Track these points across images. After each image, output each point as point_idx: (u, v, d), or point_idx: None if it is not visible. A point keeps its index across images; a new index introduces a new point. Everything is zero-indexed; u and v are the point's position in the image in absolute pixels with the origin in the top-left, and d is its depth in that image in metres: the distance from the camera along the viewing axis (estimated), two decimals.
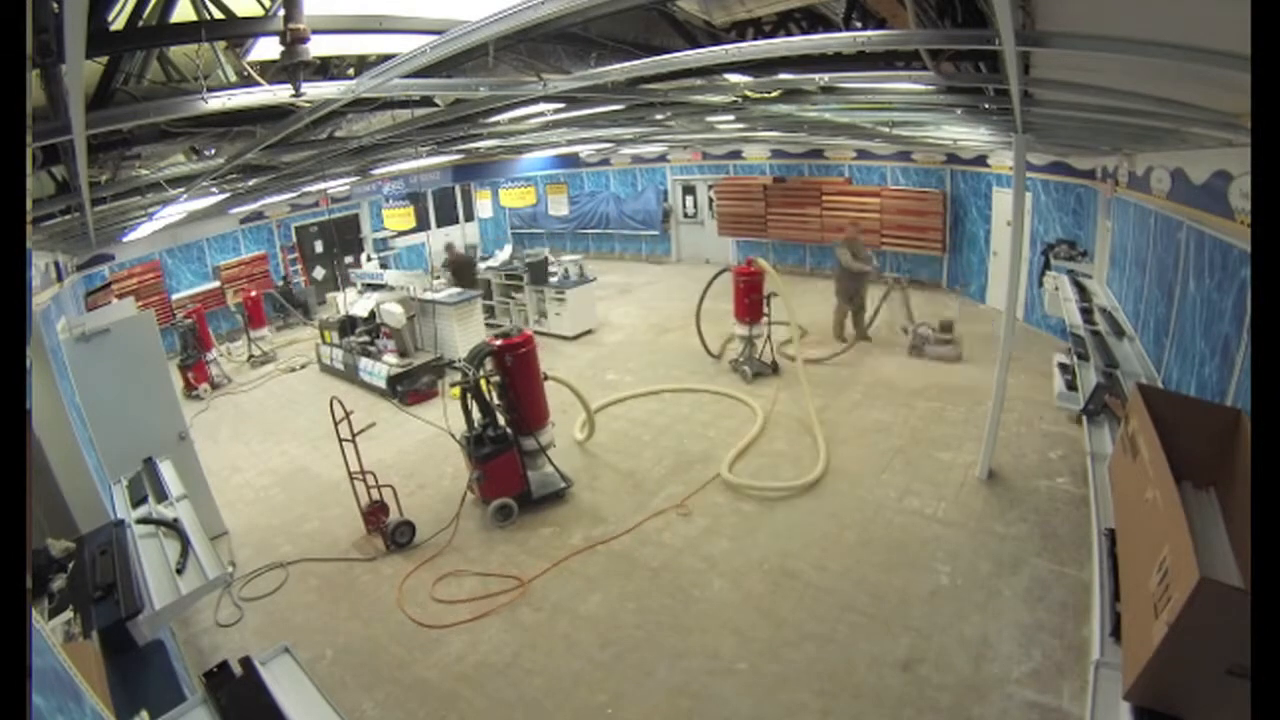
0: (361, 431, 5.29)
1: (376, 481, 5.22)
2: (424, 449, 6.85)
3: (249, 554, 5.23)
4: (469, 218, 16.47)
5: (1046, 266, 7.89)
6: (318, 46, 1.74)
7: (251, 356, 10.36)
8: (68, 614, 2.45)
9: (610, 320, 10.81)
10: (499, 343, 5.23)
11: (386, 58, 2.31)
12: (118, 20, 1.81)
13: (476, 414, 5.36)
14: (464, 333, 8.93)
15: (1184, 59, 1.63)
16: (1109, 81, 2.45)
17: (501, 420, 5.37)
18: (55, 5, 1.30)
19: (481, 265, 11.15)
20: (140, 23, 1.86)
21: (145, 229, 8.34)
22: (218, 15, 1.91)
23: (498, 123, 4.67)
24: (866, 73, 3.00)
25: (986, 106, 3.73)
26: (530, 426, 5.33)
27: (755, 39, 2.66)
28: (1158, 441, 2.16)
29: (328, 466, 6.53)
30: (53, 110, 1.91)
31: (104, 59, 2.13)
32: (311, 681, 2.15)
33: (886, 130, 6.48)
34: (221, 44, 2.30)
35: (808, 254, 12.89)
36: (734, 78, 3.35)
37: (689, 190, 14.46)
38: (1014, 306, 5.06)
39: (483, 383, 5.29)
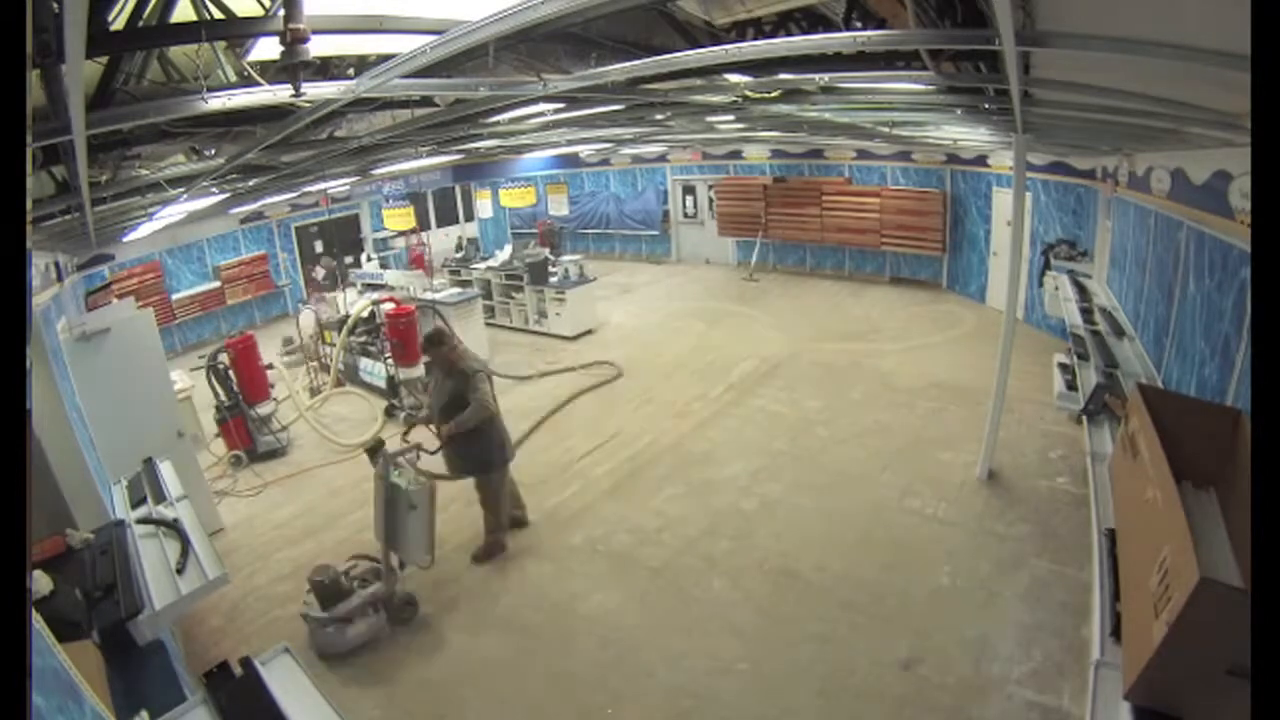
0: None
1: None
2: None
3: (244, 555, 5.24)
4: (469, 218, 16.46)
5: (1046, 266, 7.89)
6: (318, 46, 1.74)
7: None
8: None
9: (611, 321, 10.81)
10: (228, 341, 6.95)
11: (386, 58, 2.31)
12: (118, 20, 1.81)
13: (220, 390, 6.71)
14: (464, 332, 8.93)
15: (1184, 59, 1.63)
16: (1109, 81, 2.45)
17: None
18: (55, 5, 1.29)
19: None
20: (140, 23, 1.85)
21: (145, 229, 8.33)
22: (218, 15, 1.91)
23: (498, 123, 4.67)
24: (866, 73, 3.00)
25: (986, 106, 3.73)
26: (250, 400, 6.83)
27: (755, 39, 2.66)
28: (1158, 441, 2.16)
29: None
30: (53, 110, 1.90)
31: (104, 59, 2.13)
32: (311, 681, 2.15)
33: (886, 130, 6.47)
34: (221, 44, 2.30)
35: (808, 254, 12.89)
36: (734, 78, 3.35)
37: (689, 190, 14.45)
38: (1014, 306, 5.06)
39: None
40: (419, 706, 3.64)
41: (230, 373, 6.75)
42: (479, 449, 4.57)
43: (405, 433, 4.62)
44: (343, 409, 8.30)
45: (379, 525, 4.22)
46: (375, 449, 4.27)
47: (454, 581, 4.62)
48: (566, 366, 8.93)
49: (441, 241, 15.32)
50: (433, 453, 4.54)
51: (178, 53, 2.37)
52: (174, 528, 3.21)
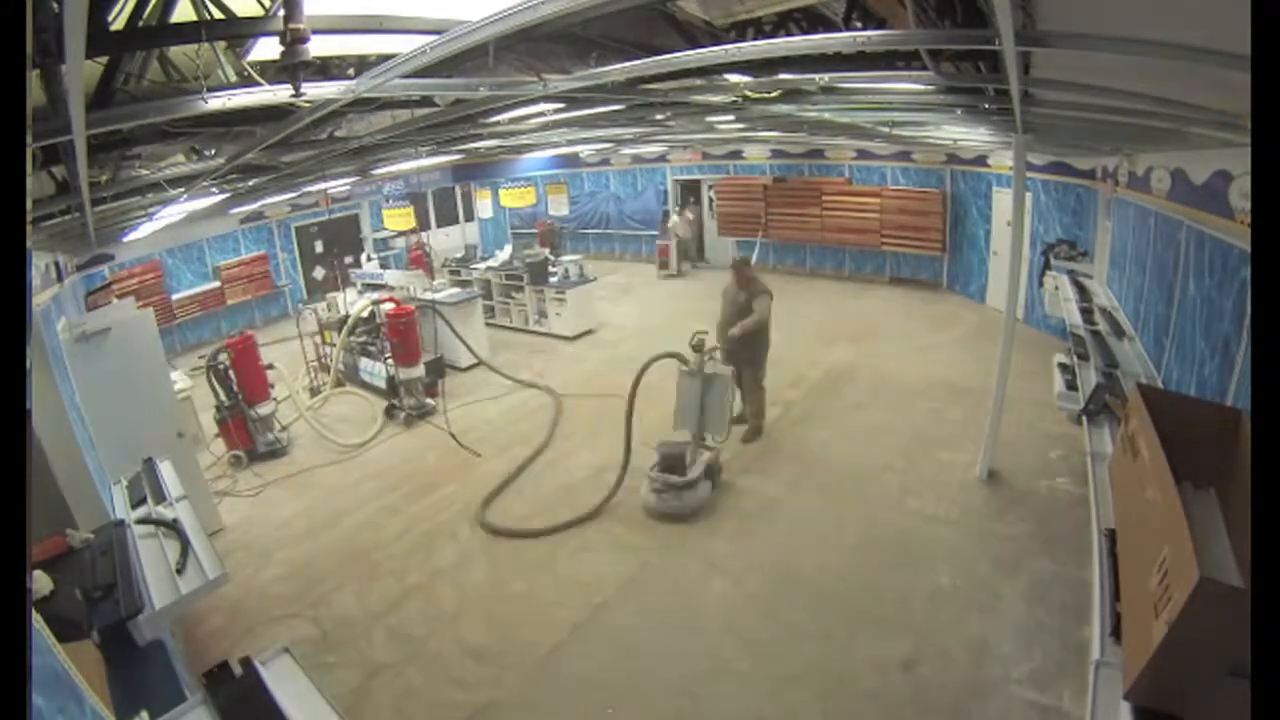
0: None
1: None
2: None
3: (244, 555, 5.24)
4: (469, 218, 16.46)
5: (1046, 266, 7.88)
6: (318, 46, 1.74)
7: None
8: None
9: (611, 321, 10.80)
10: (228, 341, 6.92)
11: (386, 58, 2.31)
12: (118, 20, 1.81)
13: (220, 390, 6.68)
14: (464, 333, 8.93)
15: (1184, 59, 1.63)
16: (1109, 81, 2.45)
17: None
18: (55, 5, 1.29)
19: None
20: (140, 23, 1.85)
21: (145, 229, 8.32)
22: (218, 15, 1.91)
23: (498, 123, 4.67)
24: (866, 73, 3.00)
25: (986, 106, 3.73)
26: (250, 400, 6.82)
27: (755, 39, 2.66)
28: (1158, 441, 2.16)
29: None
30: (53, 110, 1.90)
31: (104, 59, 2.13)
32: (312, 681, 2.15)
33: (886, 130, 6.48)
34: (221, 44, 2.29)
35: (808, 254, 12.89)
36: (734, 78, 3.35)
37: (689, 190, 14.44)
38: (1014, 306, 5.07)
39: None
40: (418, 708, 3.65)
41: (230, 373, 6.75)
42: (754, 349, 6.05)
43: (698, 345, 5.60)
44: (343, 409, 8.30)
45: (688, 412, 5.57)
46: (699, 347, 5.53)
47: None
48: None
49: (442, 241, 15.31)
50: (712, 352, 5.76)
51: (178, 53, 2.37)
52: (174, 528, 3.20)
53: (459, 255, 12.51)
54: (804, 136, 8.99)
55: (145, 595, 2.67)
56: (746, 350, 5.99)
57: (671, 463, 5.27)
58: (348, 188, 11.23)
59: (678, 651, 3.85)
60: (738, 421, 6.14)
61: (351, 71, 2.70)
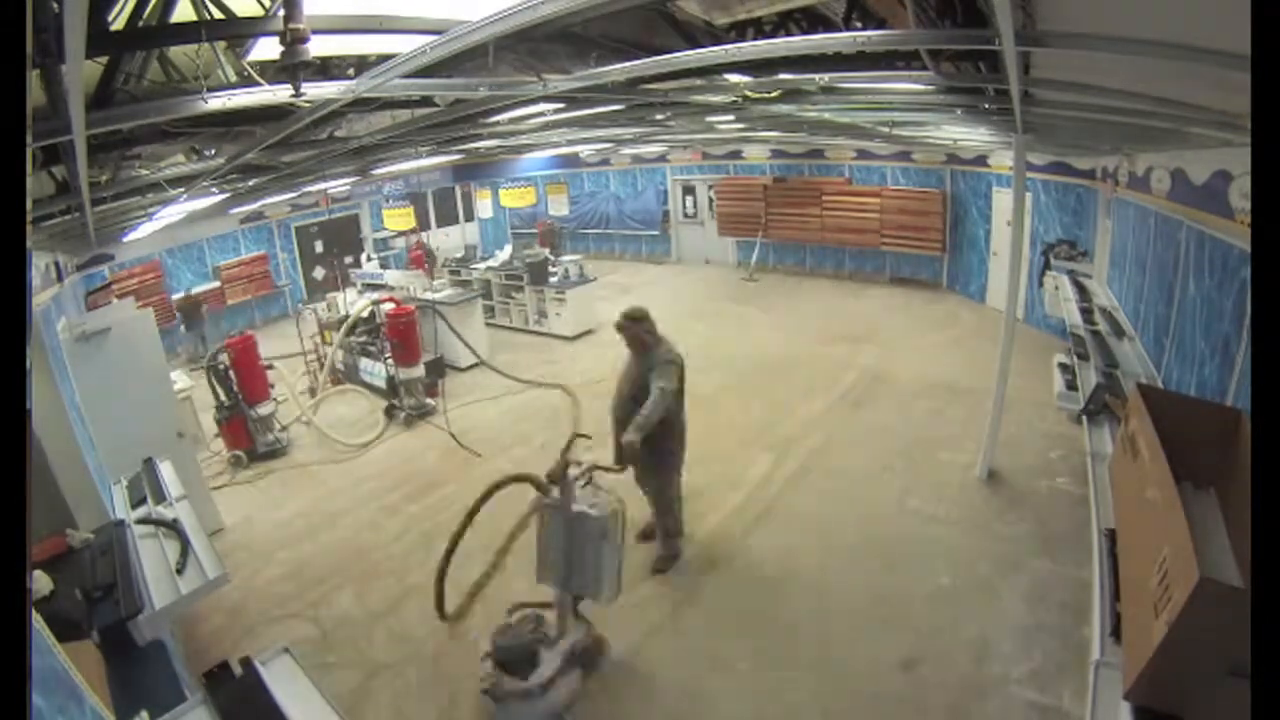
0: None
1: None
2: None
3: (245, 555, 5.24)
4: (469, 218, 16.47)
5: (1046, 266, 7.89)
6: (318, 46, 1.74)
7: None
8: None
9: (611, 321, 10.77)
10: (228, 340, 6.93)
11: (386, 58, 2.31)
12: (118, 20, 1.81)
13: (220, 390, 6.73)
14: (464, 332, 8.93)
15: (1184, 59, 1.63)
16: (1109, 81, 2.45)
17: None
18: (55, 5, 1.30)
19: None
20: (140, 23, 1.85)
21: (145, 229, 8.33)
22: (218, 15, 1.91)
23: (498, 123, 4.67)
24: (866, 73, 3.00)
25: (986, 106, 3.73)
26: (250, 401, 6.84)
27: (755, 39, 2.66)
28: (1158, 441, 2.16)
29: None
30: (53, 110, 1.90)
31: (104, 59, 2.13)
32: (312, 681, 2.15)
33: (886, 130, 6.48)
34: (221, 44, 2.30)
35: (808, 254, 12.90)
36: (734, 78, 3.35)
37: (689, 190, 14.45)
38: (1014, 306, 5.06)
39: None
40: (417, 711, 3.63)
41: (230, 373, 6.75)
42: (658, 450, 4.08)
43: (565, 449, 3.55)
44: (341, 409, 8.30)
45: (552, 565, 3.51)
46: (558, 478, 3.42)
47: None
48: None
49: (442, 241, 15.32)
50: (619, 470, 3.89)
51: (178, 53, 2.37)
52: (174, 528, 3.21)
53: (459, 255, 12.51)
54: (804, 136, 8.99)
55: (145, 595, 2.67)
56: (647, 450, 3.93)
57: (517, 656, 3.35)
58: (348, 188, 11.24)
59: (677, 651, 3.85)
60: (645, 538, 4.58)
61: (351, 71, 2.70)
